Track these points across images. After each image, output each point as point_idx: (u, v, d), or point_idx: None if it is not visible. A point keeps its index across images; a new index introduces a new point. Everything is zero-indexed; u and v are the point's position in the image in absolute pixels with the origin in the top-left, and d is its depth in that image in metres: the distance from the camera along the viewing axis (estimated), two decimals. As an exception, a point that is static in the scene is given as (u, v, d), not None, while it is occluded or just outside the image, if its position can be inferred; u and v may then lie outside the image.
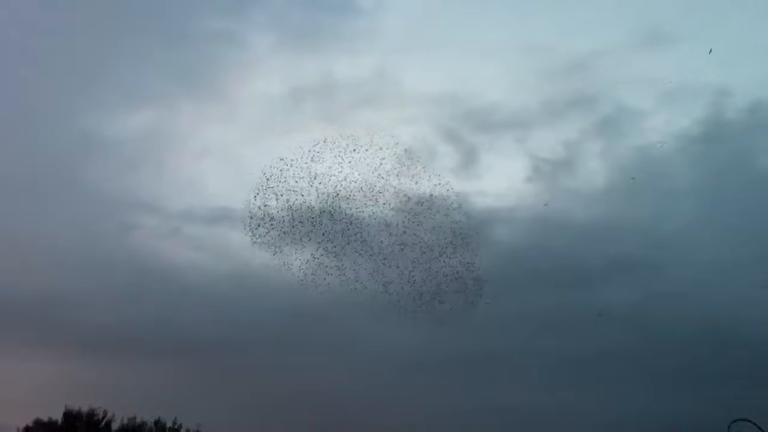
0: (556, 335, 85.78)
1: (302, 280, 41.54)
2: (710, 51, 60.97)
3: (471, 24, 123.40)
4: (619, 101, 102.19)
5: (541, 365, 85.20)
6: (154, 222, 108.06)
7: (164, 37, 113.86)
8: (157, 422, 45.24)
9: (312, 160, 42.84)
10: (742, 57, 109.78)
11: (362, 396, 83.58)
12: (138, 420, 44.86)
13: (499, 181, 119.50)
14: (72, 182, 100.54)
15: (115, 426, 44.34)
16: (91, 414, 43.99)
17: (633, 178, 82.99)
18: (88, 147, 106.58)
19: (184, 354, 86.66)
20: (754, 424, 20.59)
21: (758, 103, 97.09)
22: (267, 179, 43.39)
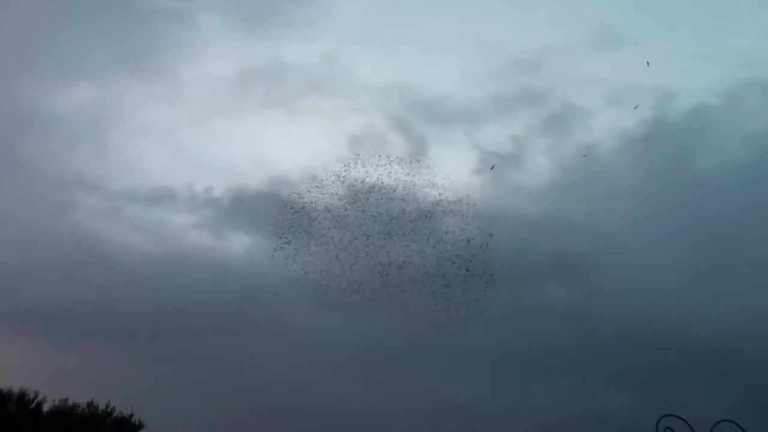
0: (498, 331, 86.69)
1: (316, 288, 40.85)
2: (648, 64, 62.42)
3: (423, 17, 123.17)
4: (566, 99, 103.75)
5: (483, 360, 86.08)
6: (94, 201, 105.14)
7: (110, 13, 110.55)
8: (89, 404, 44.36)
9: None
10: (688, 61, 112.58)
11: (299, 386, 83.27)
12: (70, 402, 43.90)
13: (447, 174, 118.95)
14: (10, 158, 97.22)
15: (46, 407, 43.27)
16: (22, 395, 42.81)
17: (585, 155, 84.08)
18: (27, 123, 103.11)
19: (120, 337, 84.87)
20: (681, 418, 21.29)
21: (700, 107, 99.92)
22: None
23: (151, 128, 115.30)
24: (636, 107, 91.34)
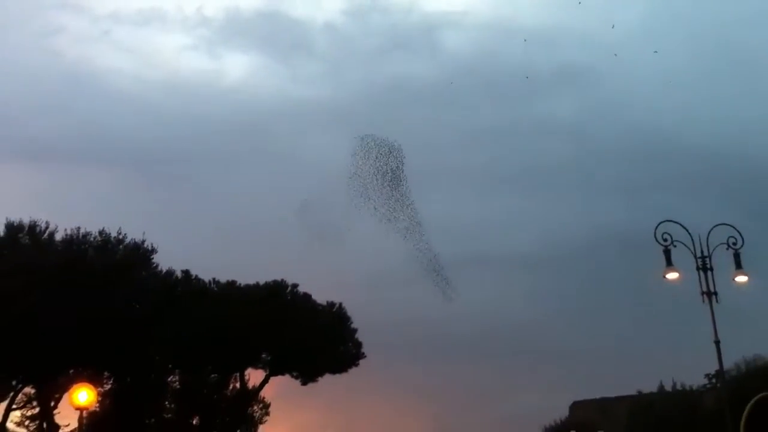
0: (501, 147, 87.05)
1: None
2: None
3: None
4: None
5: (485, 175, 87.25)
6: (79, 25, 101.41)
7: None
8: (101, 232, 45.15)
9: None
10: None
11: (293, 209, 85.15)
12: (82, 231, 44.66)
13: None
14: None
15: (58, 237, 44.10)
16: (33, 226, 43.51)
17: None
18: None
19: (117, 165, 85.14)
20: (679, 223, 21.76)
21: None
22: None
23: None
24: None
